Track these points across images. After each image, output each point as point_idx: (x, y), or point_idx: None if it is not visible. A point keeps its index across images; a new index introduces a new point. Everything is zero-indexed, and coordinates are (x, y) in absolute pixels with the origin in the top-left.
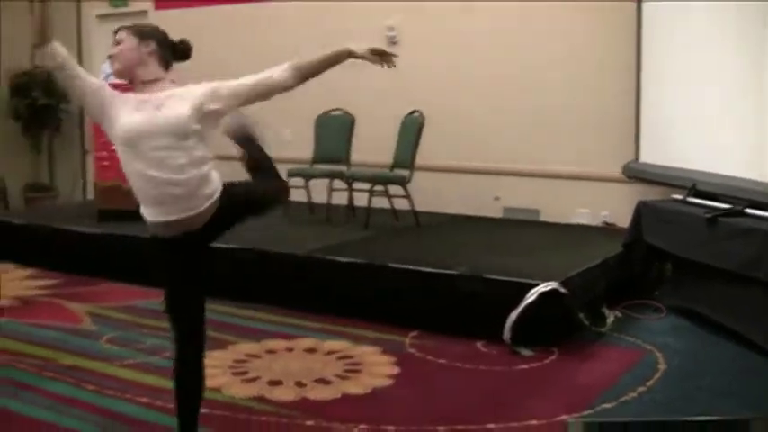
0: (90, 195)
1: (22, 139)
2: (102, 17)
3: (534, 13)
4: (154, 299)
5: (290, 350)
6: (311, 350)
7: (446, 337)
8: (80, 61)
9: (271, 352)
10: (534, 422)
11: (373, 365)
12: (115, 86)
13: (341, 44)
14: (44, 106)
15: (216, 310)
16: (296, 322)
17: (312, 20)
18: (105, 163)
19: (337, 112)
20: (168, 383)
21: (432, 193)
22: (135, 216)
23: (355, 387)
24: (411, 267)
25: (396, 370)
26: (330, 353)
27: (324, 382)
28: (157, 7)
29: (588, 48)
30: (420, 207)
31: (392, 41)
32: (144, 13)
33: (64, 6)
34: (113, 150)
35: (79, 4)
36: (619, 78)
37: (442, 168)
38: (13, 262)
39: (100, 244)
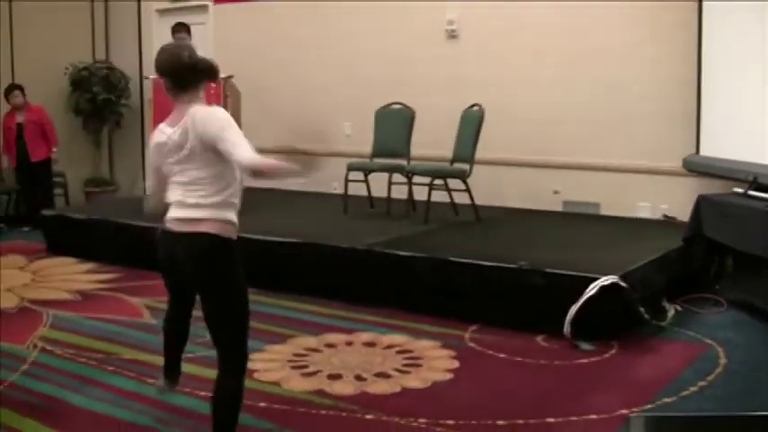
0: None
1: (83, 134)
2: (162, 12)
3: (593, 5)
4: None
5: (350, 344)
6: (371, 344)
7: (506, 331)
8: (139, 56)
9: (330, 346)
10: (594, 417)
11: (433, 360)
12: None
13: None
14: (104, 101)
15: (275, 305)
16: (355, 316)
17: (371, 14)
18: None
19: (397, 106)
20: None
21: (491, 187)
22: None
23: (415, 381)
24: (471, 261)
25: (455, 364)
26: (389, 347)
27: (383, 376)
28: (217, 1)
29: (649, 41)
30: (480, 201)
31: (452, 35)
32: (204, 7)
33: (125, 2)
34: None
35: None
36: (679, 71)
37: (502, 162)
38: (73, 256)
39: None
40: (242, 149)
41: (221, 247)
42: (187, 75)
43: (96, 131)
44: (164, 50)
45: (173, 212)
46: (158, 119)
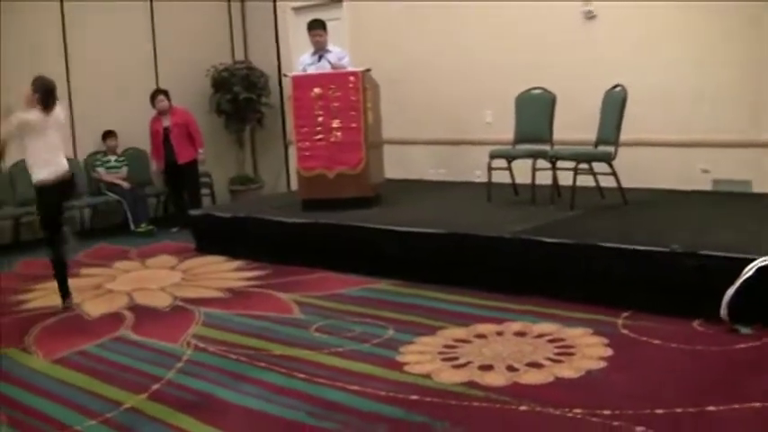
0: (294, 186)
1: (226, 134)
2: (298, 9)
3: None
4: (360, 286)
5: (500, 334)
6: (521, 333)
7: (660, 316)
8: (277, 54)
9: (480, 336)
10: (758, 404)
11: (585, 347)
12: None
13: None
14: (245, 100)
15: (424, 296)
16: (505, 306)
17: (504, 1)
18: (307, 153)
19: (537, 91)
20: (377, 370)
21: (638, 169)
22: (338, 205)
23: (568, 370)
24: (621, 246)
25: (609, 352)
26: (540, 336)
27: (535, 365)
28: None
29: None
30: (626, 183)
31: (589, 16)
32: (338, 3)
33: (261, 1)
34: (315, 140)
35: None
36: None
37: (648, 143)
38: (221, 255)
39: (305, 233)
40: None
41: None
42: None
43: (239, 131)
44: None
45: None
46: (299, 115)
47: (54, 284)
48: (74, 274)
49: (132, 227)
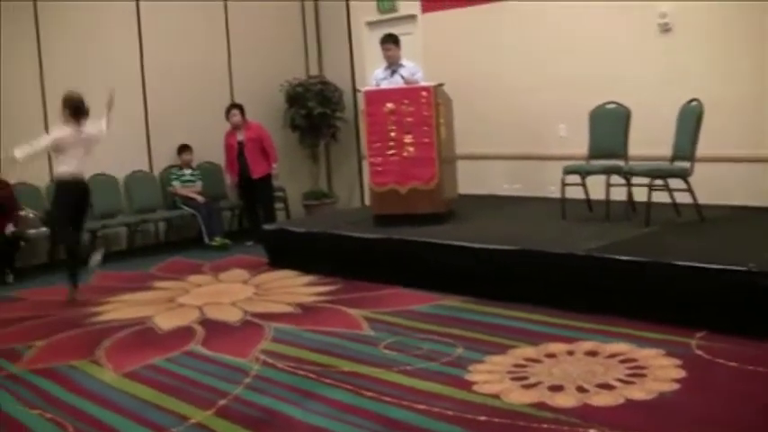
0: (368, 201)
1: (300, 149)
2: (372, 24)
3: None
4: (431, 303)
5: (571, 353)
6: (593, 353)
7: (736, 337)
8: (351, 69)
9: (551, 356)
10: None
11: (658, 369)
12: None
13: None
14: (320, 115)
15: (495, 314)
16: (576, 324)
17: (580, 12)
18: (379, 168)
19: (612, 105)
20: (445, 389)
21: (714, 185)
22: (411, 220)
23: (639, 392)
24: (696, 264)
25: (682, 374)
26: (612, 356)
27: (606, 387)
28: (425, 11)
29: None
30: (703, 200)
31: (665, 29)
32: (412, 17)
33: (335, 14)
34: (388, 155)
35: (349, 12)
36: None
37: (725, 158)
38: (294, 269)
39: (377, 249)
40: None
41: None
42: None
43: (313, 146)
44: None
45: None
46: (372, 130)
47: (129, 297)
48: (147, 287)
49: (206, 240)
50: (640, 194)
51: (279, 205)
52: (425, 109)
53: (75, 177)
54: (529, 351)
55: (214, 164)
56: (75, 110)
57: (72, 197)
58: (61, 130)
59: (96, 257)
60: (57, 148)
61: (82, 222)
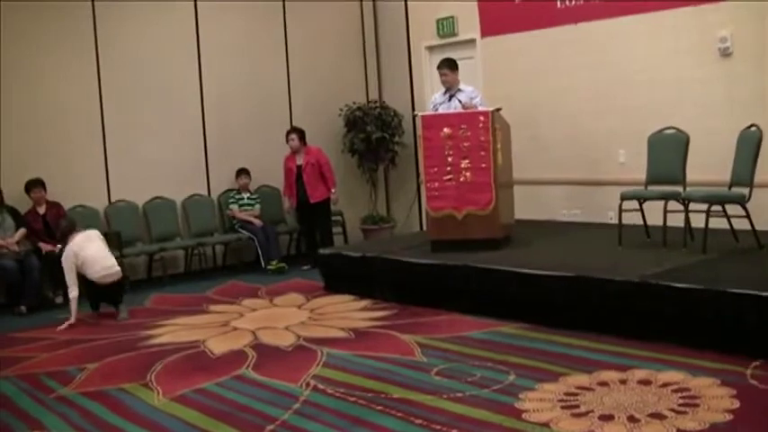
0: (425, 226)
1: (359, 173)
2: (432, 48)
3: None
4: (484, 329)
5: (624, 382)
6: (646, 382)
7: None
8: (411, 93)
9: (603, 384)
10: None
11: (711, 399)
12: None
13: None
14: (378, 140)
15: (548, 341)
16: (630, 352)
17: (639, 37)
18: (436, 193)
19: (670, 131)
20: (495, 417)
21: None
22: (467, 246)
23: (692, 422)
24: (753, 292)
25: (736, 404)
26: (665, 385)
27: (658, 417)
28: (484, 35)
29: None
30: (761, 226)
31: (725, 53)
32: (472, 41)
33: (395, 38)
34: (444, 180)
35: (409, 36)
36: None
37: None
38: (349, 293)
39: (432, 274)
40: None
41: None
42: None
43: (371, 170)
44: None
45: None
46: (429, 155)
47: (184, 320)
48: (202, 311)
49: (264, 264)
50: (698, 221)
51: (337, 229)
52: (483, 134)
53: (103, 277)
54: (581, 379)
55: (272, 188)
56: (65, 234)
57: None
58: (70, 252)
59: (123, 315)
60: (82, 266)
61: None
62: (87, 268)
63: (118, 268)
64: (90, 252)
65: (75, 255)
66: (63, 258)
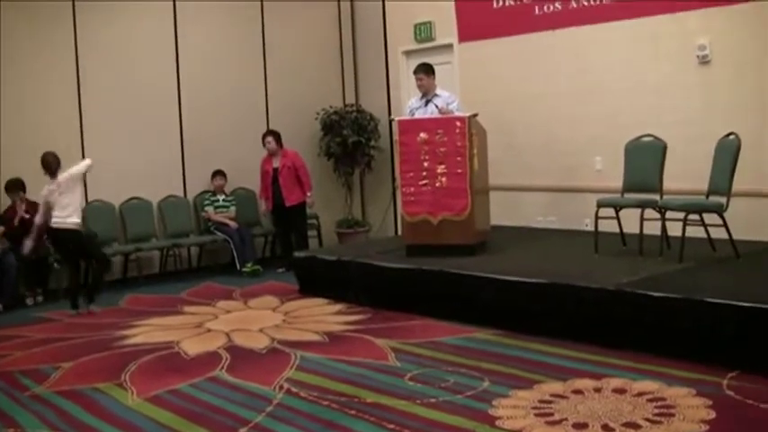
0: (401, 230)
1: (334, 177)
2: (409, 53)
3: None
4: (459, 335)
5: (598, 390)
6: (620, 390)
7: None
8: (387, 98)
9: (577, 392)
10: None
11: (687, 409)
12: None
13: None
14: (354, 143)
15: (522, 347)
16: (605, 360)
17: (617, 44)
18: (412, 198)
19: (648, 138)
20: (468, 423)
21: (751, 221)
22: (442, 251)
23: None
24: (730, 302)
25: (711, 415)
26: (640, 394)
27: (633, 426)
28: (461, 40)
29: None
30: (739, 236)
31: (704, 61)
32: (449, 46)
33: (372, 42)
34: (420, 185)
35: (386, 41)
36: None
37: (762, 193)
38: (324, 297)
39: (407, 279)
40: None
41: None
42: None
43: (348, 174)
44: None
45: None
46: (405, 160)
47: (158, 321)
48: (177, 312)
49: (239, 266)
50: (675, 229)
51: (312, 233)
52: (459, 139)
53: (60, 227)
54: (556, 386)
55: (248, 190)
56: (46, 167)
57: (63, 246)
58: (46, 190)
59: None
60: (50, 206)
61: (85, 258)
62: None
63: (72, 220)
64: (60, 200)
65: (49, 192)
66: (42, 194)
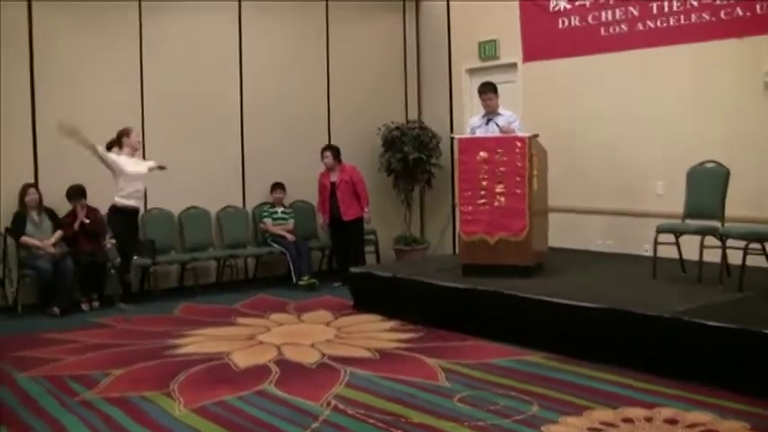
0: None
1: (394, 193)
2: (472, 71)
3: None
4: (511, 357)
5: (649, 420)
6: (672, 421)
7: None
8: (450, 115)
9: (628, 421)
10: None
11: None
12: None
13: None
14: (415, 160)
15: (575, 372)
16: (658, 389)
17: (682, 67)
18: (469, 217)
19: (710, 164)
20: None
21: None
22: (498, 271)
23: None
24: None
25: None
26: (693, 425)
27: None
28: (525, 60)
29: None
30: None
31: None
32: (513, 65)
33: (436, 60)
34: (478, 204)
35: (451, 58)
36: None
37: None
38: (378, 314)
39: (461, 298)
40: None
41: None
42: None
43: (407, 190)
44: None
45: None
46: (464, 178)
47: (211, 331)
48: (230, 323)
49: (294, 279)
50: (736, 257)
51: (369, 248)
52: (519, 159)
53: (127, 198)
54: (606, 414)
55: (307, 203)
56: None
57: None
58: (116, 155)
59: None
60: (107, 159)
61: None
62: (121, 182)
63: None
64: (130, 170)
65: (117, 158)
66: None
